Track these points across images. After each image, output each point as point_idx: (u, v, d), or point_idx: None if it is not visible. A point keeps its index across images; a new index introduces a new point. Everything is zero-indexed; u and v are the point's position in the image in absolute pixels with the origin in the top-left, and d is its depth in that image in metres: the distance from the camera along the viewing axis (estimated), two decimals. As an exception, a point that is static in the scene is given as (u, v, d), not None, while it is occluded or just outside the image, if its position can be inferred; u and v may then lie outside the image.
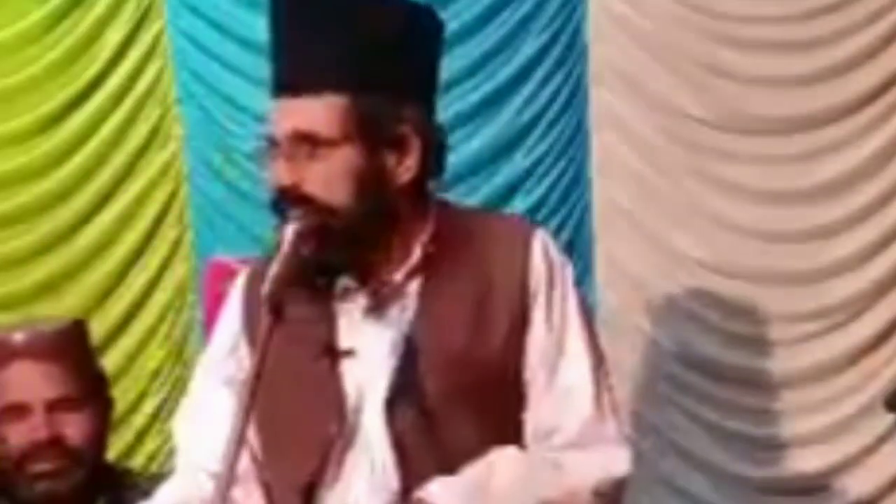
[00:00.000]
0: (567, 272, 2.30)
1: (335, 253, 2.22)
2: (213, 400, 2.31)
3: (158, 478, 2.89)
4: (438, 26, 2.35)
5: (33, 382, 2.76)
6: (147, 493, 2.59)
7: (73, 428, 2.78)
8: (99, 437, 2.84)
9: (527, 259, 2.26)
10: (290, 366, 2.17)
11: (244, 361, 2.27)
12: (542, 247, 2.29)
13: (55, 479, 2.77)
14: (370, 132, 2.21)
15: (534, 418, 2.25)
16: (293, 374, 2.20)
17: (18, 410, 2.76)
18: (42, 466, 2.76)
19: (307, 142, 2.19)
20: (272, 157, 2.23)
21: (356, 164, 2.21)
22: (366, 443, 2.21)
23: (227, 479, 2.01)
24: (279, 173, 2.20)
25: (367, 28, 2.22)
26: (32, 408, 2.75)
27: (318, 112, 2.20)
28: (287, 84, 2.23)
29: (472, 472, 2.17)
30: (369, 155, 2.21)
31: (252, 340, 2.23)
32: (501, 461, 2.18)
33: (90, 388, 2.83)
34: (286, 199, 2.19)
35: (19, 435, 2.76)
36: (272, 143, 2.23)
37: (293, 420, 2.23)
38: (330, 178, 2.19)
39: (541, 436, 2.24)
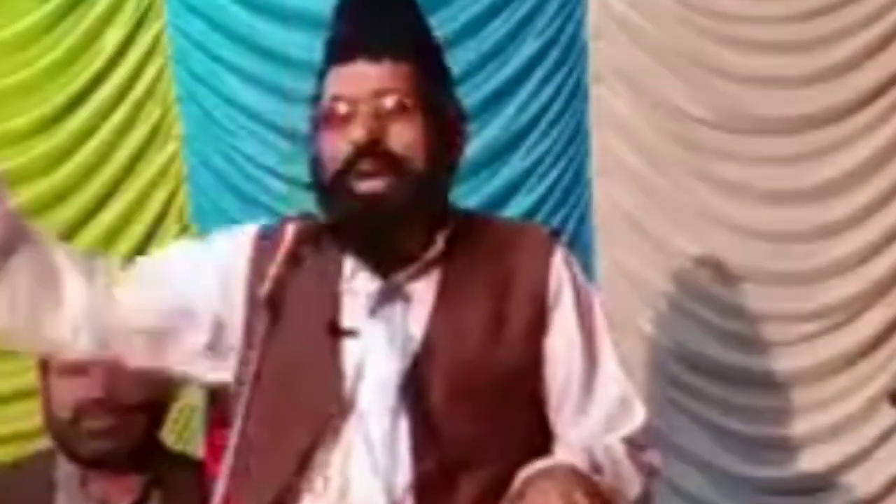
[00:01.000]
0: (586, 282, 2.33)
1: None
2: (194, 263, 2.35)
3: (193, 462, 2.93)
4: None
5: None
6: (192, 476, 2.70)
7: (128, 388, 2.79)
8: (152, 405, 2.86)
9: (547, 264, 2.29)
10: (292, 340, 2.14)
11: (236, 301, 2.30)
12: (563, 255, 2.32)
13: (108, 438, 2.79)
14: (437, 105, 2.28)
15: (574, 420, 2.28)
16: (294, 350, 2.18)
17: (74, 368, 2.78)
18: (95, 423, 2.78)
19: (387, 102, 2.23)
20: (338, 121, 2.24)
21: (429, 131, 2.26)
22: (365, 431, 2.20)
23: (227, 479, 2.00)
24: (358, 130, 2.22)
25: (416, 17, 2.33)
26: (88, 366, 2.76)
27: (399, 76, 2.25)
28: (367, 49, 2.26)
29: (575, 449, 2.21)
30: (436, 126, 2.27)
31: (251, 298, 2.24)
32: (597, 449, 2.21)
33: None
34: (364, 155, 2.21)
35: (73, 391, 2.80)
36: (344, 103, 2.24)
37: (291, 397, 2.22)
38: (410, 139, 2.24)
39: (597, 434, 2.26)
